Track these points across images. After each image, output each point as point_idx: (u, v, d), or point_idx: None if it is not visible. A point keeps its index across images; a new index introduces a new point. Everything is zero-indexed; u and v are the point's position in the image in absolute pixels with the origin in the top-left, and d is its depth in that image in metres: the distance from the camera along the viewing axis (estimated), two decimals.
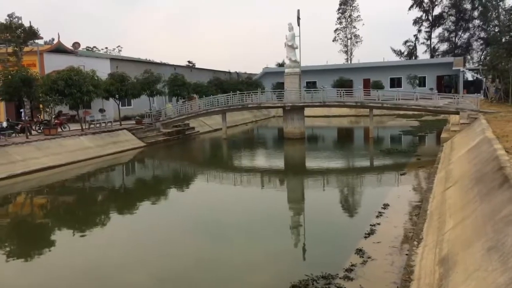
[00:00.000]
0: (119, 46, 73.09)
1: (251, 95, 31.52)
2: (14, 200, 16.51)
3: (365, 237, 9.68)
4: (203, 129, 36.61)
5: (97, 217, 13.69)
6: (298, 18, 32.15)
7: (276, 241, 10.34)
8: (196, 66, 54.83)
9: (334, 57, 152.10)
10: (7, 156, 18.87)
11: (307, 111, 31.69)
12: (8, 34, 27.22)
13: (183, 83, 35.75)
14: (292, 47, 30.67)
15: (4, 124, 23.23)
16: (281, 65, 62.26)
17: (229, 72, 59.13)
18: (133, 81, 30.45)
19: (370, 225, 10.45)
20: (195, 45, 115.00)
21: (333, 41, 76.71)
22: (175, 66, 45.12)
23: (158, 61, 49.02)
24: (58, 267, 9.24)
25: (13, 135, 22.73)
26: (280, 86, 44.44)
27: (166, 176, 21.04)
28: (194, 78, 41.97)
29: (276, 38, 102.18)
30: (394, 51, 75.40)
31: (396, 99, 29.10)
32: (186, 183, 19.22)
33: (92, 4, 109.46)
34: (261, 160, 24.87)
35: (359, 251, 8.79)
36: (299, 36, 31.44)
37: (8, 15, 27.90)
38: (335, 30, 76.11)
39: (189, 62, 58.24)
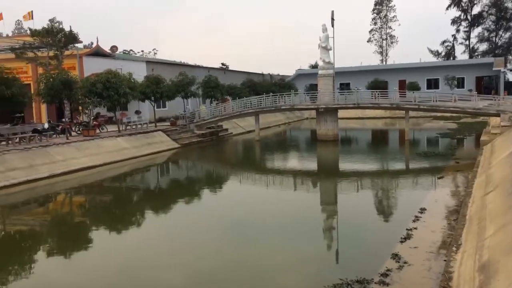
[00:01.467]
0: (154, 49, 74.36)
1: (284, 97, 31.51)
2: (55, 199, 17.11)
3: (401, 242, 9.48)
4: (236, 130, 36.84)
5: (133, 216, 14.01)
6: (332, 19, 31.93)
7: (309, 243, 10.28)
8: (230, 69, 55.27)
9: (368, 58, 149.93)
10: (49, 156, 19.58)
11: (341, 113, 31.35)
12: (49, 38, 28.25)
13: (217, 85, 36.12)
14: (325, 49, 30.45)
15: (46, 126, 24.09)
16: (314, 66, 61.86)
17: (262, 74, 59.26)
18: (168, 83, 30.99)
19: (407, 229, 10.22)
20: (229, 46, 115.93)
21: (367, 41, 75.84)
22: (209, 69, 45.63)
23: (192, 63, 49.73)
24: (93, 266, 9.48)
25: (54, 136, 23.56)
26: (313, 87, 44.20)
27: (200, 177, 21.31)
28: (228, 80, 42.31)
29: (309, 40, 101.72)
30: (431, 51, 73.72)
31: (433, 101, 28.41)
32: (219, 184, 19.38)
33: (129, 9, 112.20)
34: (294, 162, 24.79)
35: (395, 256, 8.61)
36: (333, 37, 31.24)
37: (50, 20, 29.04)
38: (370, 31, 75.18)
39: (222, 64, 58.80)
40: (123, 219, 13.74)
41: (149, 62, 39.18)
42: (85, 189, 18.32)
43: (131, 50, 59.20)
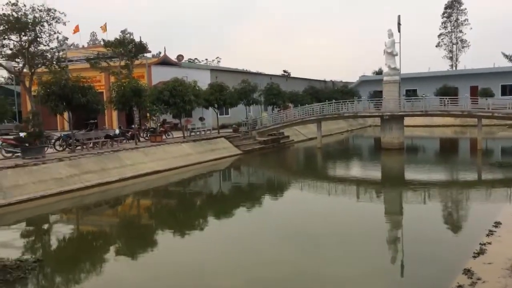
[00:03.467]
0: (218, 57, 76.10)
1: (347, 103, 30.99)
2: (124, 201, 17.95)
3: (474, 257, 8.91)
4: (298, 138, 36.68)
5: (195, 220, 14.32)
6: (399, 24, 31.04)
7: (372, 255, 9.96)
8: (291, 76, 55.27)
9: (436, 63, 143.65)
10: (119, 160, 20.59)
11: (407, 121, 30.30)
12: (121, 49, 29.80)
13: (279, 92, 36.24)
14: (391, 54, 29.62)
15: (117, 131, 25.35)
16: (378, 73, 60.37)
17: (324, 81, 58.69)
18: (231, 90, 31.53)
19: (480, 244, 9.59)
20: (291, 54, 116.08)
21: (436, 46, 72.66)
22: (270, 76, 45.93)
23: (254, 71, 50.32)
24: (157, 268, 9.71)
25: (124, 141, 24.74)
26: (377, 94, 43.13)
27: (261, 184, 21.41)
28: (289, 87, 42.34)
29: (373, 46, 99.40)
30: (506, 56, 69.08)
31: (509, 108, 26.66)
32: (280, 191, 19.36)
33: (194, 18, 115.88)
34: (356, 170, 24.24)
35: (467, 271, 8.10)
36: (399, 42, 30.33)
37: (121, 31, 30.63)
38: (439, 35, 72.01)
39: (284, 71, 58.87)
40: (185, 223, 14.08)
41: (213, 70, 40.15)
42: (152, 192, 19.06)
43: (196, 58, 61.03)
